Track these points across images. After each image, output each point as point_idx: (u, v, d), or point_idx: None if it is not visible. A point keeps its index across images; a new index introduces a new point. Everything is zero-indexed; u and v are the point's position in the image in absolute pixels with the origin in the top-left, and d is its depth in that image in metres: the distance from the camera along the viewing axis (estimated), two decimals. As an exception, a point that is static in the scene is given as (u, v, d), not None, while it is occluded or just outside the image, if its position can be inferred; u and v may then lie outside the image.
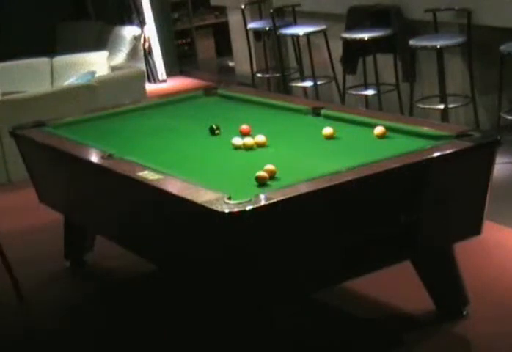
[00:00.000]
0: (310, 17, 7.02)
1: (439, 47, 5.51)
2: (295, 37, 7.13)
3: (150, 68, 9.57)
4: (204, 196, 2.83)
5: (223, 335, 3.48)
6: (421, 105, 5.89)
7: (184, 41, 10.59)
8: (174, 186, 3.05)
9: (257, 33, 7.84)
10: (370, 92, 6.52)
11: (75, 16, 10.19)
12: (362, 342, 3.40)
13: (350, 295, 3.71)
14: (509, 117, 5.29)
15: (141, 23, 9.48)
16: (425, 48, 5.63)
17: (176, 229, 3.11)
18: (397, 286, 3.72)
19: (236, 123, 3.77)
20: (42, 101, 6.33)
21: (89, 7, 10.39)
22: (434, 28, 5.75)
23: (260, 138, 3.52)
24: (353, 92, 6.65)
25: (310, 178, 2.92)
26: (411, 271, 3.40)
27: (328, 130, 3.53)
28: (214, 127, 3.79)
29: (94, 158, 3.57)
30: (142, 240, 3.49)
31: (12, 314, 4.08)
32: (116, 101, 5.05)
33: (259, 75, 7.88)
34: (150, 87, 8.40)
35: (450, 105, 5.77)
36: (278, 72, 7.67)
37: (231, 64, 9.51)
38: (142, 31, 9.39)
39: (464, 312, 3.44)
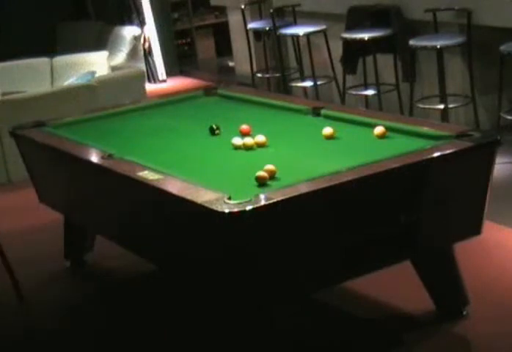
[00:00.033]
0: (310, 17, 7.02)
1: (439, 47, 5.51)
2: (295, 37, 7.13)
3: (150, 68, 9.57)
4: (204, 196, 2.83)
5: (223, 335, 3.48)
6: (421, 105, 5.89)
7: (184, 41, 10.59)
8: (174, 186, 3.05)
9: (257, 33, 7.84)
10: (370, 92, 6.52)
11: (75, 16, 10.19)
12: (362, 342, 3.40)
13: (350, 295, 3.71)
14: (509, 117, 5.29)
15: (141, 23, 9.48)
16: (425, 48, 5.63)
17: (176, 229, 3.11)
18: (397, 286, 3.72)
19: (236, 123, 3.77)
20: (42, 101, 6.33)
21: (89, 7, 10.39)
22: (434, 28, 5.75)
23: (260, 138, 3.52)
24: (353, 92, 6.65)
25: (310, 178, 2.91)
26: (411, 271, 3.40)
27: (328, 130, 3.53)
28: (214, 127, 3.79)
29: (94, 158, 3.57)
30: (142, 240, 3.49)
31: (12, 314, 4.08)
32: (117, 101, 5.05)
33: (259, 75, 7.88)
34: (150, 87, 8.40)
35: (450, 105, 5.77)
36: (278, 72, 7.67)
37: (231, 64, 9.52)
38: (142, 31, 9.39)
39: (464, 312, 3.44)
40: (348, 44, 6.31)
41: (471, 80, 5.64)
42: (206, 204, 2.74)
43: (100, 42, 9.00)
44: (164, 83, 9.62)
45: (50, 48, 9.32)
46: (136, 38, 9.07)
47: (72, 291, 4.25)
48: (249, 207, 2.67)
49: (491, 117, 5.77)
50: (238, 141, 3.54)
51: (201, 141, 3.76)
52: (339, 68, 6.63)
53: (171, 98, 4.73)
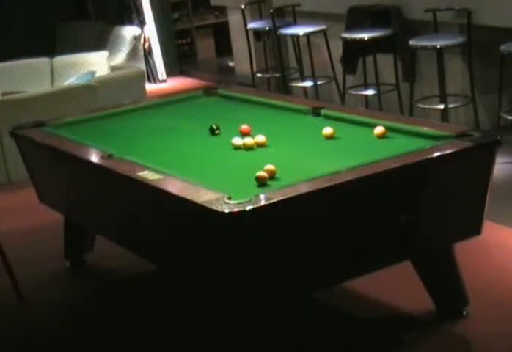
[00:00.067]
0: (310, 17, 7.02)
1: (439, 47, 5.51)
2: (295, 37, 7.13)
3: (150, 68, 9.57)
4: (204, 196, 2.83)
5: (223, 335, 3.48)
6: (421, 105, 5.89)
7: (184, 41, 10.59)
8: (174, 186, 3.05)
9: (257, 33, 7.84)
10: (370, 92, 6.52)
11: (75, 16, 10.19)
12: (362, 342, 3.40)
13: (350, 295, 3.71)
14: (509, 117, 5.29)
15: (141, 23, 9.48)
16: (425, 48, 5.63)
17: (176, 229, 3.11)
18: (397, 286, 3.72)
19: (236, 123, 3.77)
20: (42, 101, 6.33)
21: (89, 7, 10.39)
22: (434, 28, 5.75)
23: (260, 138, 3.52)
24: (353, 92, 6.65)
25: (310, 178, 2.91)
26: (411, 271, 3.40)
27: (328, 130, 3.53)
28: (214, 127, 3.79)
29: (94, 158, 3.57)
30: (142, 240, 3.49)
31: (12, 314, 4.08)
32: (117, 101, 5.05)
33: (259, 75, 7.88)
34: (150, 87, 8.40)
35: (450, 105, 5.77)
36: (278, 72, 7.67)
37: (231, 64, 9.52)
38: (142, 31, 9.39)
39: (464, 312, 3.44)
40: (348, 44, 6.31)
41: (471, 80, 5.64)
42: (206, 204, 2.74)
43: (100, 42, 9.00)
44: (164, 83, 9.62)
45: (50, 48, 9.32)
46: (136, 38, 9.08)
47: (72, 291, 4.25)
48: (249, 207, 2.67)
49: (491, 117, 5.77)
50: (238, 141, 3.54)
51: (201, 141, 3.76)
52: (339, 68, 6.63)
53: (171, 98, 4.73)
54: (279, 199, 2.73)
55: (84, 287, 4.28)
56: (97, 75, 7.18)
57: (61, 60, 8.31)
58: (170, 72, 9.80)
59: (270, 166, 3.04)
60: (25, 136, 4.12)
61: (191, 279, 3.45)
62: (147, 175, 3.15)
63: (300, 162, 3.29)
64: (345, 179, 2.88)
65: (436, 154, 3.06)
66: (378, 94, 6.29)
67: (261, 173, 2.99)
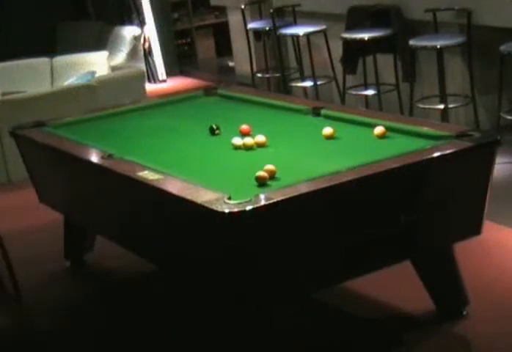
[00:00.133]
0: (310, 17, 7.02)
1: (439, 47, 5.51)
2: (295, 37, 7.13)
3: (150, 68, 9.57)
4: (204, 196, 2.83)
5: (223, 335, 3.48)
6: (421, 105, 5.89)
7: (184, 41, 10.59)
8: (174, 186, 3.05)
9: (257, 33, 7.84)
10: (370, 92, 6.52)
11: (75, 16, 10.18)
12: (362, 342, 3.40)
13: (350, 295, 3.71)
14: (509, 117, 5.29)
15: (141, 23, 9.48)
16: (425, 48, 5.63)
17: (176, 229, 3.11)
18: (397, 286, 3.72)
19: (236, 123, 3.77)
20: (42, 101, 6.33)
21: (89, 7, 10.39)
22: (434, 28, 5.75)
23: (260, 138, 3.52)
24: (353, 92, 6.65)
25: (310, 178, 2.91)
26: (411, 271, 3.40)
27: (328, 130, 3.53)
28: (214, 127, 3.79)
29: (94, 158, 3.57)
30: (142, 240, 3.49)
31: (12, 314, 4.08)
32: (117, 101, 5.05)
33: (259, 75, 7.88)
34: (150, 87, 8.40)
35: (450, 105, 5.77)
36: (278, 72, 7.67)
37: (231, 64, 9.52)
38: (142, 31, 9.39)
39: (464, 312, 3.44)
40: (348, 44, 6.31)
41: (471, 80, 5.64)
42: (206, 204, 2.74)
43: (100, 42, 9.00)
44: (164, 83, 9.62)
45: (50, 48, 9.31)
46: (136, 38, 9.07)
47: (72, 291, 4.25)
48: (249, 207, 2.67)
49: (491, 117, 5.77)
50: (238, 141, 3.54)
51: (201, 141, 3.76)
52: (339, 68, 6.63)
53: (171, 98, 4.73)
54: (279, 199, 2.73)
55: (84, 287, 4.28)
56: (97, 75, 7.18)
57: (61, 60, 8.31)
58: (170, 72, 9.80)
59: (270, 166, 3.04)
60: (25, 136, 4.12)
61: (191, 279, 3.45)
62: (147, 175, 3.15)
63: (300, 162, 3.29)
64: (345, 179, 2.88)
65: (436, 154, 3.06)
66: (378, 94, 6.29)
67: (261, 173, 2.99)
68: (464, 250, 3.45)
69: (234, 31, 8.87)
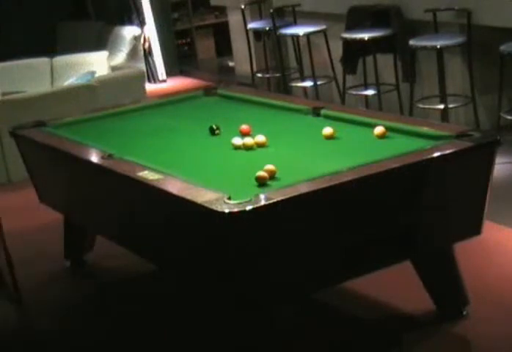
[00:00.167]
0: (310, 17, 7.02)
1: (439, 47, 5.51)
2: (295, 37, 7.13)
3: (150, 68, 9.57)
4: (204, 196, 2.83)
5: (223, 335, 3.47)
6: (421, 105, 5.89)
7: (184, 41, 10.59)
8: (174, 186, 3.05)
9: (257, 33, 7.84)
10: (370, 92, 6.52)
11: (75, 16, 10.18)
12: (362, 342, 3.40)
13: (350, 295, 3.71)
14: (509, 117, 5.29)
15: (141, 23, 9.47)
16: (425, 48, 5.63)
17: (176, 229, 3.11)
18: (397, 286, 3.72)
19: (236, 123, 3.77)
20: (42, 101, 6.33)
21: (89, 7, 10.38)
22: (434, 28, 5.75)
23: (260, 138, 3.52)
24: (353, 92, 6.65)
25: (310, 178, 2.91)
26: (411, 271, 3.40)
27: (328, 130, 3.53)
28: (214, 127, 3.79)
29: (94, 158, 3.57)
30: (142, 240, 3.49)
31: (12, 314, 4.08)
32: (117, 101, 5.05)
33: (259, 75, 7.88)
34: (150, 87, 8.40)
35: (450, 105, 5.77)
36: (278, 72, 7.67)
37: (231, 64, 9.52)
38: (142, 31, 9.38)
39: (464, 312, 3.44)
40: (348, 44, 6.31)
41: (471, 80, 5.64)
42: (206, 204, 2.74)
43: (100, 42, 9.00)
44: (164, 83, 9.61)
45: (50, 48, 9.31)
46: (136, 38, 9.07)
47: (72, 291, 4.25)
48: (249, 207, 2.67)
49: (491, 117, 5.77)
50: (238, 141, 3.54)
51: (201, 141, 3.76)
52: (339, 68, 6.63)
53: (171, 98, 4.73)
54: (279, 199, 2.73)
55: (84, 287, 4.28)
56: (97, 75, 7.18)
57: (61, 60, 8.30)
58: (170, 72, 9.80)
59: (270, 166, 3.04)
60: (25, 136, 4.12)
61: (190, 279, 3.45)
62: (147, 175, 3.15)
63: (300, 162, 3.29)
64: (345, 179, 2.88)
65: (436, 154, 3.06)
66: (378, 94, 6.29)
67: (261, 173, 2.99)
68: (464, 250, 3.45)
69: (234, 31, 8.87)
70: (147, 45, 9.50)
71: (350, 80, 6.65)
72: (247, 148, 3.50)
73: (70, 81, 7.27)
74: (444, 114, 5.82)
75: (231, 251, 2.79)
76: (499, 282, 3.73)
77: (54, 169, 4.05)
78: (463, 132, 3.25)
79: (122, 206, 3.52)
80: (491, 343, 3.27)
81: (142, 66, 9.01)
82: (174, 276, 3.82)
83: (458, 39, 5.54)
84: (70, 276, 4.42)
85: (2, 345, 3.77)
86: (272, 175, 3.01)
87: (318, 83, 6.96)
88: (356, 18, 6.33)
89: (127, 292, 4.14)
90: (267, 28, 7.29)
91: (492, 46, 5.26)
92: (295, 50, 7.44)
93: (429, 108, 5.89)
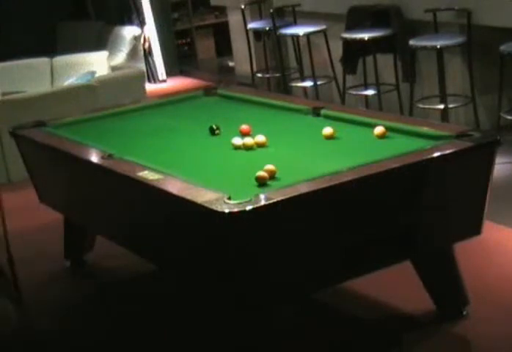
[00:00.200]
0: (310, 17, 7.02)
1: (439, 47, 5.51)
2: (295, 37, 7.13)
3: (150, 68, 9.57)
4: (204, 196, 2.83)
5: (223, 335, 3.47)
6: (421, 106, 5.89)
7: (184, 41, 10.59)
8: (174, 186, 3.05)
9: (257, 33, 7.84)
10: (370, 92, 6.52)
11: (75, 16, 10.18)
12: (362, 342, 3.40)
13: (350, 295, 3.71)
14: (509, 117, 5.29)
15: (141, 23, 9.47)
16: (425, 48, 5.63)
17: (176, 229, 3.11)
18: (397, 286, 3.72)
19: (236, 123, 3.77)
20: (42, 101, 6.33)
21: (89, 7, 10.38)
22: (434, 28, 5.75)
23: (260, 138, 3.52)
24: (353, 92, 6.65)
25: (310, 178, 2.92)
26: (411, 271, 3.40)
27: (328, 130, 3.53)
28: (214, 127, 3.79)
29: (94, 158, 3.57)
30: (142, 240, 3.49)
31: (12, 314, 4.08)
32: (116, 101, 5.05)
33: (259, 75, 7.88)
34: (150, 87, 8.40)
35: (450, 105, 5.77)
36: (278, 72, 7.67)
37: (231, 64, 9.51)
38: (142, 31, 9.38)
39: (464, 312, 3.44)
40: (348, 44, 6.31)
41: (471, 80, 5.64)
42: (206, 204, 2.74)
43: (100, 42, 9.00)
44: (164, 83, 9.61)
45: (50, 48, 9.31)
46: (136, 38, 9.07)
47: (72, 291, 4.25)
48: (249, 207, 2.67)
49: (491, 117, 5.77)
50: (238, 141, 3.54)
51: (201, 141, 3.76)
52: (339, 68, 6.63)
53: (171, 98, 4.73)
54: (279, 199, 2.73)
55: (84, 287, 4.28)
56: (97, 75, 7.18)
57: (61, 60, 8.30)
58: (170, 72, 9.79)
59: (270, 166, 3.04)
60: (25, 136, 4.12)
61: (190, 279, 3.45)
62: (147, 175, 3.15)
63: (300, 162, 3.29)
64: (345, 179, 2.88)
65: (436, 154, 3.06)
66: (378, 94, 6.29)
67: (261, 173, 2.99)
68: (464, 250, 3.45)
69: (234, 31, 8.87)
70: (147, 45, 9.50)
71: (350, 80, 6.65)
72: (247, 148, 3.50)
73: (70, 81, 7.27)
74: (444, 114, 5.82)
75: (231, 251, 2.79)
76: (499, 282, 3.73)
77: (54, 169, 4.05)
78: (463, 132, 3.25)
79: (122, 206, 3.52)
80: (491, 343, 3.27)
81: (142, 66, 9.01)
82: (174, 276, 3.82)
83: (458, 39, 5.54)
84: (70, 276, 4.42)
85: (2, 345, 3.77)
86: (272, 175, 3.01)
87: (318, 83, 6.96)
88: (356, 18, 6.33)
89: (127, 292, 4.14)
90: (267, 28, 7.29)
91: (492, 46, 5.26)
92: (295, 50, 7.44)
93: (429, 108, 5.89)
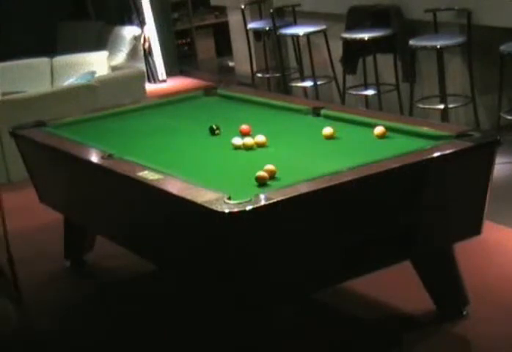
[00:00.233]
0: (310, 17, 7.02)
1: (439, 47, 5.51)
2: (295, 37, 7.13)
3: (150, 68, 9.57)
4: (204, 196, 2.83)
5: (223, 335, 3.47)
6: (421, 106, 5.89)
7: (184, 41, 10.59)
8: (174, 186, 3.05)
9: (257, 33, 7.84)
10: (370, 92, 6.52)
11: (75, 16, 10.18)
12: (362, 342, 3.40)
13: (350, 295, 3.71)
14: (509, 117, 5.29)
15: (141, 23, 9.47)
16: (425, 48, 5.63)
17: (176, 229, 3.11)
18: (397, 286, 3.72)
19: (236, 123, 3.77)
20: (42, 101, 6.33)
21: (89, 7, 10.38)
22: (434, 28, 5.75)
23: (260, 138, 3.52)
24: (353, 92, 6.65)
25: (310, 178, 2.92)
26: (411, 271, 3.40)
27: (328, 130, 3.53)
28: (214, 127, 3.79)
29: (94, 158, 3.57)
30: (142, 240, 3.49)
31: (12, 314, 4.08)
32: (116, 101, 5.05)
33: (259, 75, 7.88)
34: (150, 87, 8.40)
35: (450, 105, 5.77)
36: (278, 72, 7.67)
37: (231, 64, 9.52)
38: (142, 31, 9.38)
39: (464, 312, 3.44)
40: (348, 44, 6.31)
41: (471, 80, 5.64)
42: (206, 204, 2.74)
43: (100, 42, 9.00)
44: (164, 83, 9.61)
45: (50, 48, 9.31)
46: (136, 38, 9.07)
47: (72, 291, 4.25)
48: (249, 207, 2.67)
49: (491, 117, 5.77)
50: (238, 141, 3.54)
51: (201, 141, 3.76)
52: (339, 68, 6.63)
53: (171, 98, 4.73)
54: (279, 199, 2.73)
55: (84, 287, 4.28)
56: (97, 75, 7.18)
57: (61, 60, 8.31)
58: (170, 72, 9.80)
59: (270, 166, 3.04)
60: (25, 136, 4.12)
61: (190, 279, 3.45)
62: (147, 175, 3.15)
63: (300, 162, 3.29)
64: (345, 179, 2.88)
65: (436, 154, 3.06)
66: (378, 94, 6.29)
67: (261, 173, 2.99)
68: (464, 250, 3.45)
69: (234, 31, 8.87)
70: (147, 45, 9.50)
71: (350, 80, 6.65)
72: (247, 148, 3.50)
73: (70, 81, 7.27)
74: (444, 114, 5.82)
75: (231, 251, 2.79)
76: (499, 282, 3.73)
77: (54, 169, 4.05)
78: (463, 132, 3.25)
79: (122, 206, 3.52)
80: (491, 343, 3.27)
81: (142, 66, 9.01)
82: (174, 276, 3.82)
83: (458, 39, 5.54)
84: (70, 276, 4.42)
85: (2, 345, 3.77)
86: (272, 175, 3.01)
87: (318, 83, 6.96)
88: (356, 18, 6.33)
89: (127, 292, 4.14)
90: (267, 28, 7.29)
91: (492, 46, 5.26)
92: (295, 50, 7.44)
93: (429, 108, 5.90)
